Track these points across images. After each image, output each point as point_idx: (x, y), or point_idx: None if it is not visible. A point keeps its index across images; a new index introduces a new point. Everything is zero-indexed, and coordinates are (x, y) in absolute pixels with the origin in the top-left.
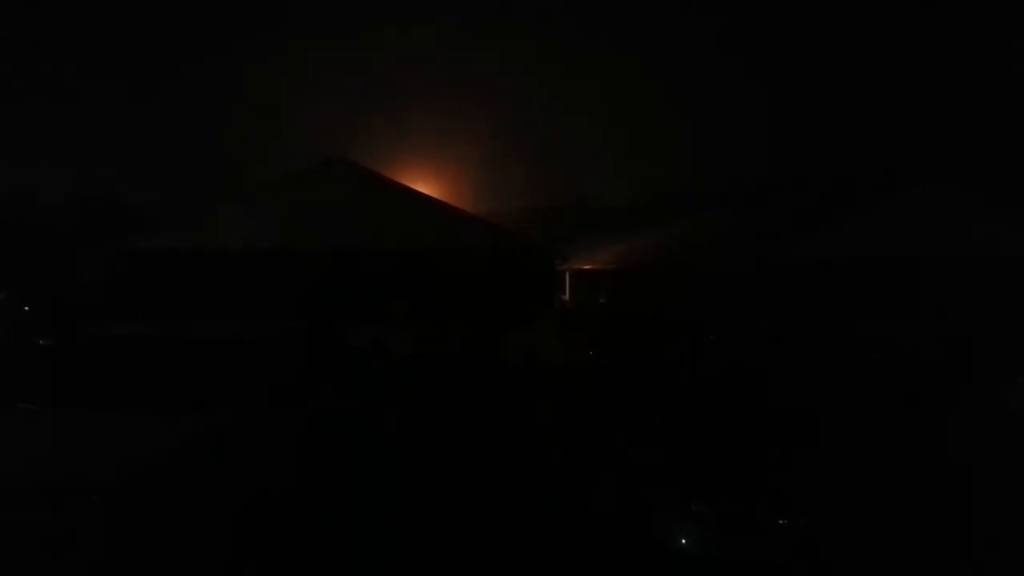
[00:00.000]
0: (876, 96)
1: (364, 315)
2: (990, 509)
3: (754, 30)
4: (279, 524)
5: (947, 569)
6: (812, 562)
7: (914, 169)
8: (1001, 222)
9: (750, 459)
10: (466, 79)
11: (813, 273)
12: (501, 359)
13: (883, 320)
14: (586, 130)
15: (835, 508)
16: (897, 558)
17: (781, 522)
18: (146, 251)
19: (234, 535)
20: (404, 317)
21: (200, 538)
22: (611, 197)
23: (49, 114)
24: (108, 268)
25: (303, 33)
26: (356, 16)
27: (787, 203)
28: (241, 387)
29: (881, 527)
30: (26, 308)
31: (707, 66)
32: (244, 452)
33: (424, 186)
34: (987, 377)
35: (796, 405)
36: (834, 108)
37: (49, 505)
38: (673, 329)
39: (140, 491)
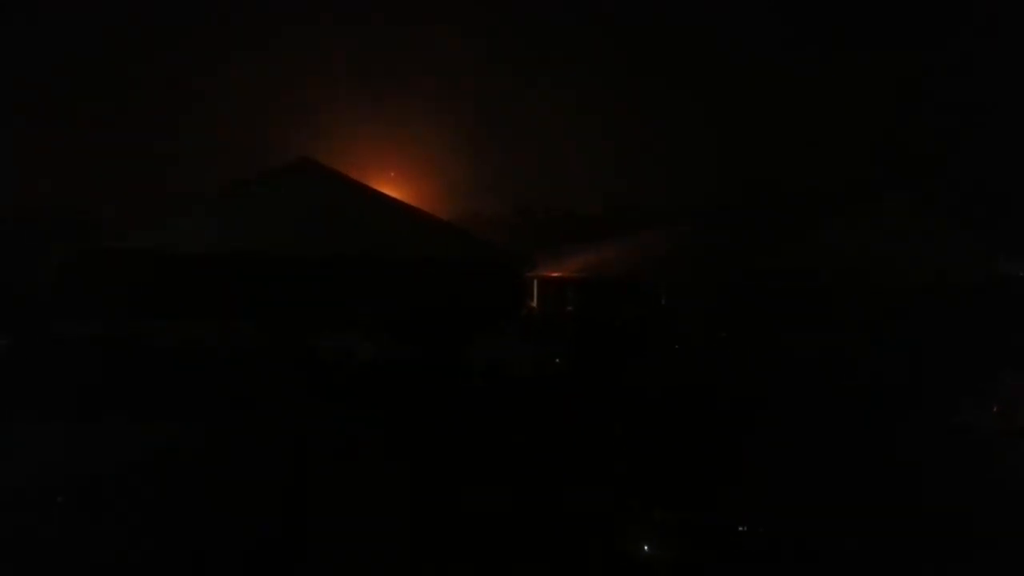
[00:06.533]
0: (841, 112)
1: (330, 320)
2: (938, 521)
3: (721, 47)
4: (244, 531)
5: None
6: (772, 569)
7: (877, 183)
8: (957, 240)
9: (711, 467)
10: (437, 84)
11: (779, 285)
12: (467, 366)
13: (843, 334)
14: (557, 138)
15: (795, 515)
16: (854, 565)
17: (741, 529)
18: (108, 252)
19: (198, 542)
20: (371, 323)
21: (162, 545)
22: (581, 206)
23: (10, 117)
24: (69, 268)
25: (270, 32)
26: (325, 16)
27: (755, 215)
28: (203, 391)
29: (839, 534)
30: None
31: (677, 80)
32: (208, 458)
33: (392, 190)
34: (936, 394)
35: (758, 415)
36: (802, 123)
37: (8, 511)
38: (639, 339)
39: (101, 497)
